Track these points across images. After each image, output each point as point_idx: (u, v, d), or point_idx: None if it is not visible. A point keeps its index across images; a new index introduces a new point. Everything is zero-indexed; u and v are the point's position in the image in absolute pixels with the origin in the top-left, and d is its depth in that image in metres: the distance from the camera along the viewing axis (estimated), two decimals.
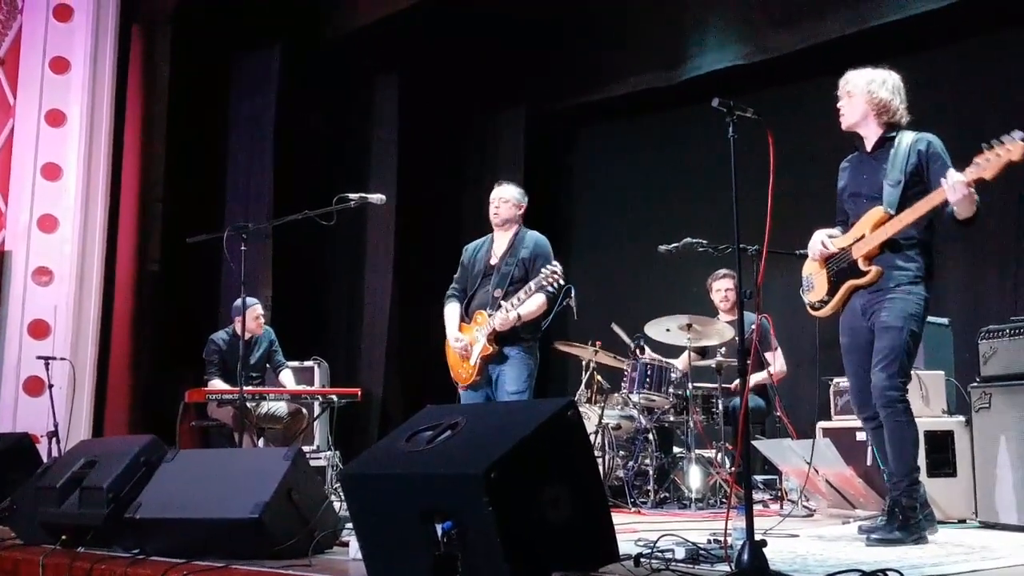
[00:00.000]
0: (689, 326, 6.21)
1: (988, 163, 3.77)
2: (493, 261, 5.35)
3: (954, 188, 3.82)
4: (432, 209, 8.88)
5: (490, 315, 5.14)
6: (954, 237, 6.58)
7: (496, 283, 5.25)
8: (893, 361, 4.01)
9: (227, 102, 8.53)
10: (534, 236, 5.39)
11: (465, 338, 5.24)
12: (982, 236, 6.75)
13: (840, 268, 4.23)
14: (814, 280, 4.36)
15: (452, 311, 5.42)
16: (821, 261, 4.31)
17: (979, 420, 4.75)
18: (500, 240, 5.40)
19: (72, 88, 7.62)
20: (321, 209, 5.20)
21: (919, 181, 4.07)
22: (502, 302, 5.12)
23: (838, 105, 4.26)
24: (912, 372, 5.14)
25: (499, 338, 5.15)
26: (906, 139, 4.14)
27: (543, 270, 5.09)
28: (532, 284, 5.07)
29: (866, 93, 4.19)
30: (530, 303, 5.11)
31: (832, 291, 4.25)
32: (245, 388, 5.73)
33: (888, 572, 2.67)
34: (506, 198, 5.36)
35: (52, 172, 7.55)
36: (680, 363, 6.54)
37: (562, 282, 5.09)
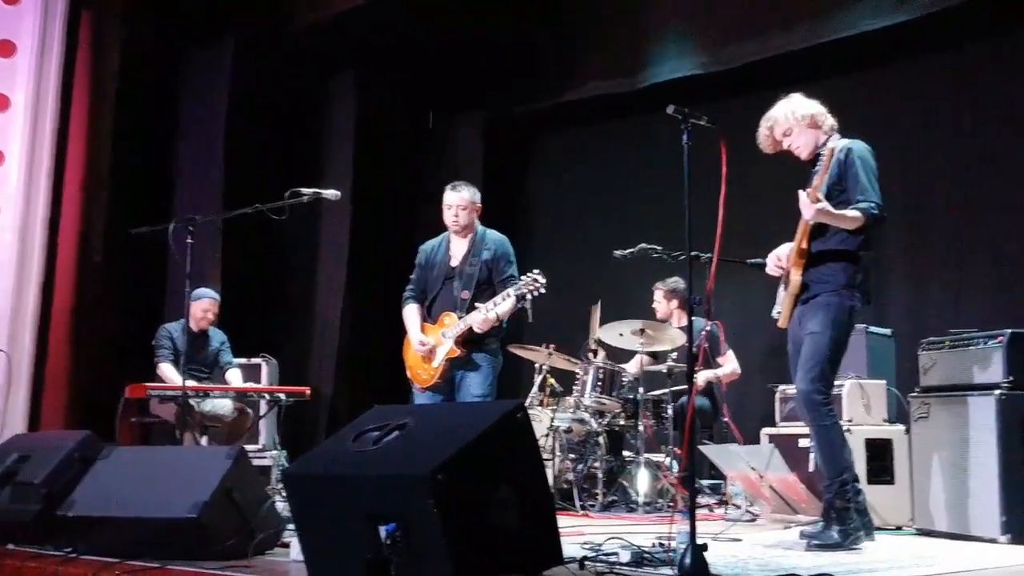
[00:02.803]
0: (642, 331, 6.24)
1: (818, 175, 4.02)
2: (454, 263, 5.25)
3: (804, 209, 4.03)
4: (388, 208, 8.81)
5: (460, 316, 5.09)
6: (900, 250, 6.73)
7: (462, 285, 5.16)
8: (814, 367, 4.12)
9: (178, 94, 8.38)
10: (495, 236, 5.32)
11: (430, 340, 5.17)
12: (927, 248, 6.88)
13: (785, 280, 4.33)
14: (780, 292, 4.44)
15: (413, 312, 5.31)
16: (784, 275, 4.38)
17: (918, 429, 4.83)
18: (459, 241, 5.30)
19: (18, 72, 7.43)
20: (273, 203, 5.12)
21: (842, 191, 4.17)
22: (478, 304, 5.05)
23: (786, 147, 4.34)
24: (856, 381, 5.25)
25: (466, 341, 5.10)
26: (837, 146, 4.23)
27: (525, 277, 5.02)
28: (511, 291, 5.00)
29: (796, 119, 4.29)
30: (505, 305, 5.03)
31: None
32: (188, 384, 5.62)
33: None
34: (464, 204, 5.24)
35: None
36: (632, 367, 6.55)
37: (543, 291, 5.03)
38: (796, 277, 4.20)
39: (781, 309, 4.35)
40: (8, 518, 3.85)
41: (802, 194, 4.02)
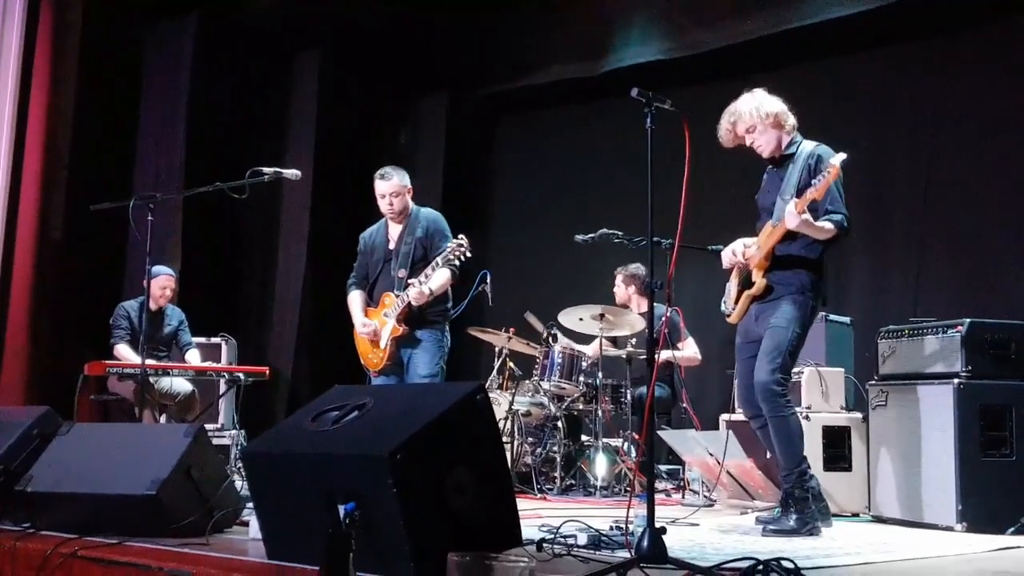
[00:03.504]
0: (602, 316, 6.27)
1: (815, 189, 4.01)
2: (392, 245, 5.36)
3: (789, 217, 4.06)
4: (350, 189, 8.76)
5: (398, 296, 5.14)
6: (860, 239, 6.81)
7: (399, 264, 5.26)
8: (776, 358, 4.16)
9: (140, 70, 8.27)
10: (427, 212, 5.42)
11: (373, 323, 5.23)
12: (886, 238, 6.96)
13: (744, 277, 4.38)
14: (730, 286, 4.47)
15: (355, 298, 5.42)
16: (736, 270, 4.41)
17: (875, 417, 4.89)
18: (396, 224, 5.40)
19: None
20: (233, 182, 5.10)
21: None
22: (409, 281, 5.11)
23: (748, 144, 4.34)
24: (814, 368, 5.31)
25: (408, 319, 5.15)
26: (804, 152, 4.26)
27: (448, 244, 5.11)
28: (439, 259, 5.08)
29: (760, 116, 4.29)
30: (437, 277, 5.12)
31: (738, 299, 4.37)
32: (148, 362, 5.58)
33: (781, 561, 2.74)
34: (396, 191, 5.31)
35: None
36: (591, 350, 6.58)
37: (468, 255, 5.11)
38: (761, 280, 4.24)
39: (734, 305, 4.39)
40: None
41: (791, 203, 4.05)
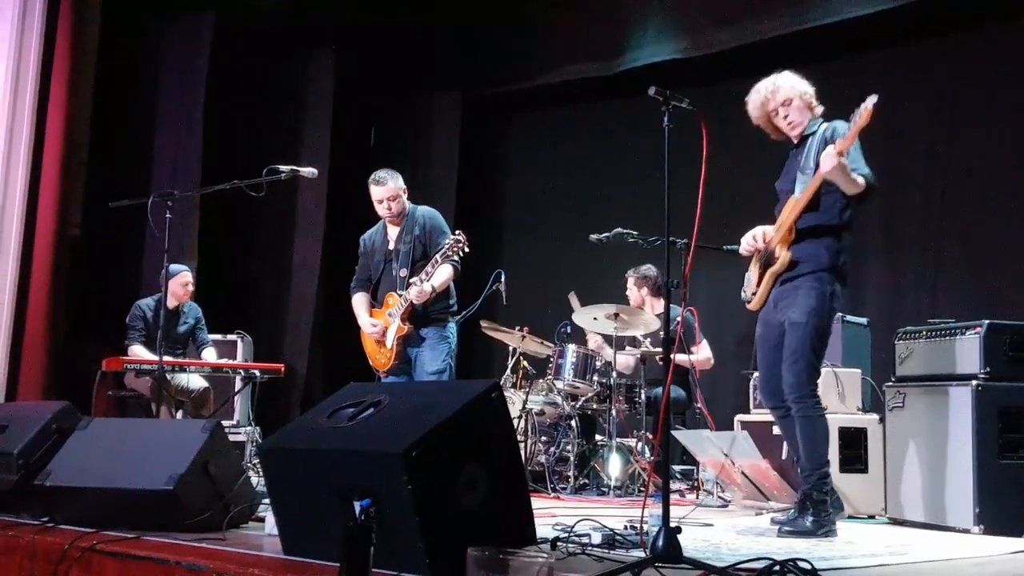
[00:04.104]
0: (616, 315, 6.26)
1: (847, 137, 3.97)
2: (391, 245, 5.41)
3: (825, 159, 3.99)
4: (364, 187, 8.77)
5: (401, 295, 5.17)
6: (877, 240, 6.78)
7: (400, 264, 5.31)
8: (800, 358, 4.13)
9: (158, 68, 8.33)
10: (423, 210, 5.46)
11: (379, 323, 5.26)
12: (903, 238, 6.94)
13: (765, 259, 4.33)
14: (750, 274, 4.45)
15: (360, 300, 5.47)
16: (756, 256, 4.39)
17: (892, 419, 4.87)
18: (393, 225, 5.45)
19: None
20: (251, 180, 5.13)
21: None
22: (411, 280, 5.13)
23: (780, 117, 4.31)
24: (831, 370, 5.29)
25: (413, 318, 5.18)
26: (820, 128, 4.27)
27: (447, 240, 5.13)
28: (438, 256, 5.11)
29: (799, 92, 4.30)
30: (438, 274, 5.16)
31: (759, 282, 4.34)
32: (165, 359, 5.62)
33: (798, 562, 2.73)
34: (392, 194, 5.37)
35: None
36: (622, 363, 6.55)
37: (467, 249, 5.13)
38: (785, 254, 4.19)
39: (754, 290, 4.35)
40: None
41: (830, 147, 4.00)
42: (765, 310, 4.35)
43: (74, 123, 7.59)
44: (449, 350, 5.29)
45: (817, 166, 4.11)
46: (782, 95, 4.29)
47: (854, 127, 3.96)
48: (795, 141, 4.37)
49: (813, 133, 4.28)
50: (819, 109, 4.34)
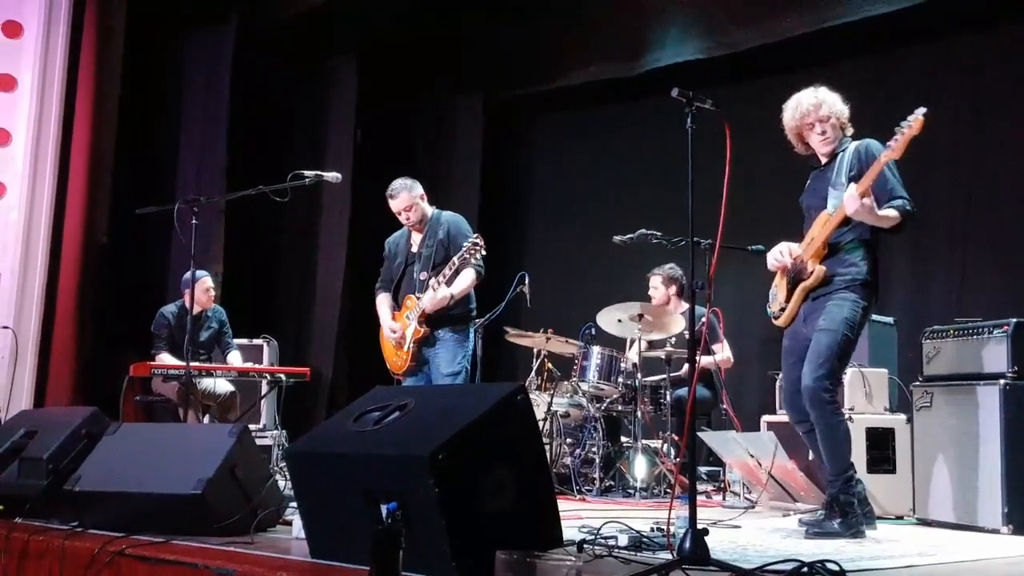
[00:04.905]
0: (641, 316, 6.24)
1: (893, 149, 3.92)
2: (414, 248, 5.45)
3: (848, 201, 3.97)
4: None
5: (419, 297, 5.20)
6: (902, 238, 6.73)
7: (421, 267, 5.35)
8: (824, 363, 4.09)
9: (182, 75, 8.39)
10: (448, 216, 5.50)
11: (399, 328, 5.30)
12: (929, 237, 6.88)
13: (795, 275, 4.31)
14: (777, 291, 4.42)
15: (383, 300, 5.53)
16: (782, 272, 4.37)
17: (920, 419, 4.83)
18: (417, 231, 5.51)
19: (24, 53, 7.43)
20: (275, 185, 5.17)
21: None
22: (433, 283, 5.17)
23: (818, 133, 4.28)
24: (857, 369, 5.26)
25: (430, 320, 5.20)
26: (851, 146, 4.25)
27: (464, 244, 5.14)
28: (455, 259, 5.14)
29: (838, 112, 4.29)
30: (460, 280, 5.20)
31: (789, 297, 4.31)
32: (191, 364, 5.66)
33: (826, 563, 2.71)
34: (407, 205, 5.42)
35: (1, 137, 7.38)
36: (632, 355, 6.55)
37: (484, 252, 5.16)
38: (819, 268, 4.17)
39: (782, 305, 4.33)
40: (15, 492, 3.89)
41: (852, 187, 3.99)
42: (794, 324, 4.33)
43: (100, 132, 7.66)
44: (466, 353, 5.31)
45: (851, 180, 4.09)
46: (824, 110, 4.27)
47: (903, 137, 3.91)
48: (822, 160, 4.35)
49: (843, 150, 4.26)
50: (850, 130, 4.32)
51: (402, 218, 5.47)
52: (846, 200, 4.00)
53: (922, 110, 3.90)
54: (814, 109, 4.27)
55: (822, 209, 4.24)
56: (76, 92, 7.59)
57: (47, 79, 7.45)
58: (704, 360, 6.32)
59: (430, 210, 5.50)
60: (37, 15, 7.43)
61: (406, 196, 5.41)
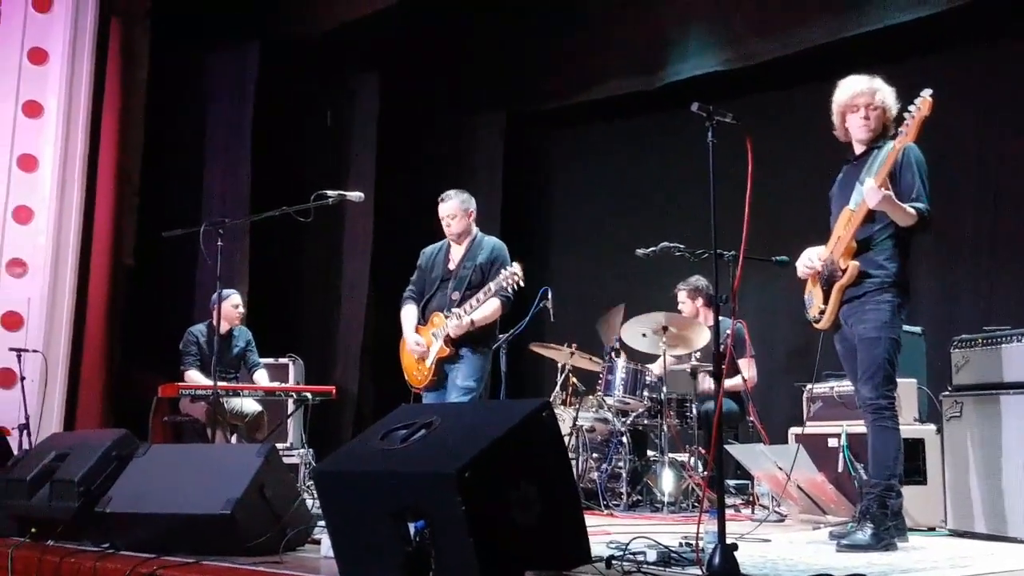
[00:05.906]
0: (665, 328, 6.21)
1: (906, 133, 3.95)
2: (452, 266, 5.42)
3: (868, 194, 3.98)
4: (410, 208, 8.86)
5: (447, 316, 5.20)
6: (929, 247, 6.69)
7: (454, 286, 5.32)
8: (876, 372, 4.11)
9: (205, 97, 8.49)
10: (491, 241, 5.48)
11: (423, 341, 5.30)
12: (956, 245, 6.83)
13: (829, 275, 4.28)
14: (812, 296, 4.40)
15: (409, 313, 5.49)
16: (813, 278, 4.36)
17: (950, 429, 4.78)
18: (458, 246, 5.47)
19: (50, 79, 7.54)
20: (299, 205, 5.20)
21: (893, 185, 4.13)
22: (455, 309, 5.18)
23: (861, 117, 4.27)
24: None
25: (455, 341, 5.21)
26: (889, 144, 4.21)
27: (502, 271, 5.14)
28: (491, 285, 5.14)
29: (890, 108, 4.28)
30: (485, 308, 5.18)
31: (826, 300, 4.29)
32: (219, 384, 5.70)
33: None
34: (453, 212, 5.41)
35: (28, 163, 7.47)
36: (656, 368, 6.53)
37: (521, 284, 5.14)
38: (853, 265, 4.15)
39: (821, 308, 4.30)
40: (47, 515, 3.92)
41: (869, 180, 4.00)
42: (841, 329, 4.31)
43: (126, 155, 7.76)
44: (483, 372, 5.30)
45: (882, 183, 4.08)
46: (878, 98, 4.26)
47: (914, 123, 3.94)
48: (857, 149, 4.33)
49: (879, 147, 4.24)
50: (892, 131, 4.28)
51: (444, 223, 5.43)
52: (866, 194, 4.00)
53: (928, 91, 3.93)
54: (868, 92, 4.27)
55: (846, 205, 4.23)
56: (101, 116, 7.69)
57: (72, 105, 7.55)
58: (728, 383, 6.28)
59: (475, 230, 5.48)
60: (61, 41, 7.54)
61: (456, 204, 5.41)
